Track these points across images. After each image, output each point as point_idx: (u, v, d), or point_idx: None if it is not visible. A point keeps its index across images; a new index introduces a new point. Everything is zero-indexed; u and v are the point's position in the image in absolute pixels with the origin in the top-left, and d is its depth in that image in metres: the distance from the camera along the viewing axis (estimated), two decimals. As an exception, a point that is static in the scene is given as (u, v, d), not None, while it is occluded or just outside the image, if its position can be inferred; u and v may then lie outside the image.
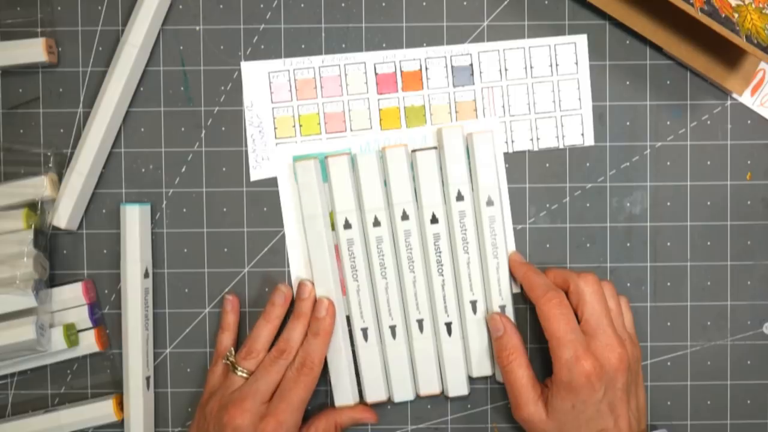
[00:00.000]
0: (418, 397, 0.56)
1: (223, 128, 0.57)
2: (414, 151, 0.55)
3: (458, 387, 0.56)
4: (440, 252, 0.55)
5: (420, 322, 0.55)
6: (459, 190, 0.54)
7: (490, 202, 0.54)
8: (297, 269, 0.57)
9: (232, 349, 0.55)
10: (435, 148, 0.55)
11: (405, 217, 0.54)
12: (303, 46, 0.57)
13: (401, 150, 0.54)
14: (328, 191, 0.55)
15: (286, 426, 0.51)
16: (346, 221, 0.54)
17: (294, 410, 0.51)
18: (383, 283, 0.55)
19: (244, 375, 0.53)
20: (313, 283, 0.55)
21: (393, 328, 0.55)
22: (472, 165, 0.55)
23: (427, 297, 0.55)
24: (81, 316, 0.56)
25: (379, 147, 0.56)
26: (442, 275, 0.55)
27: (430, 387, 0.56)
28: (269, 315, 0.54)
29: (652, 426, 0.57)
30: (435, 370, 0.56)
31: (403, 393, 0.56)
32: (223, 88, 0.57)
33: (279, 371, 0.52)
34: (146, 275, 0.56)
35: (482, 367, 0.55)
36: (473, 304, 0.55)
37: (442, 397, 0.57)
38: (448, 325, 0.55)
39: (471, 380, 0.56)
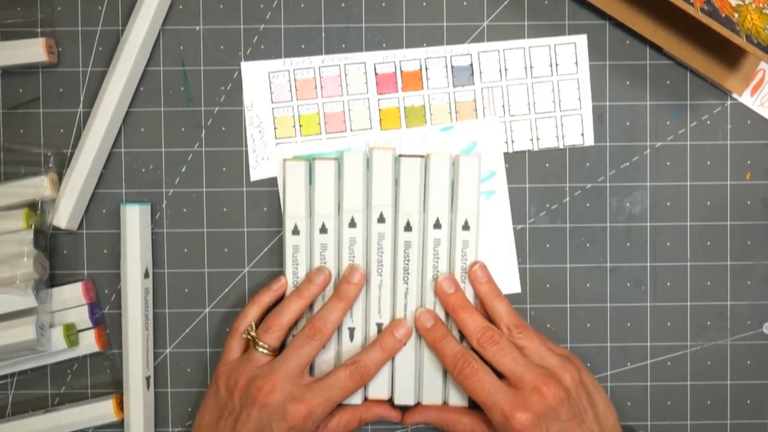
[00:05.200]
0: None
1: (223, 128, 0.57)
2: (401, 156, 0.54)
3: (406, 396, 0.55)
4: (408, 260, 0.54)
5: (379, 326, 0.55)
6: (438, 218, 0.54)
7: (466, 227, 0.54)
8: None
9: (253, 324, 0.53)
10: (422, 156, 0.55)
11: (381, 219, 0.54)
12: (303, 46, 0.57)
13: (388, 153, 0.54)
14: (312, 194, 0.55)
15: (314, 417, 0.50)
16: (323, 226, 0.54)
17: (329, 406, 0.51)
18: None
19: (265, 352, 0.52)
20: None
21: (352, 331, 0.55)
22: (454, 188, 0.54)
23: (390, 302, 0.55)
24: (81, 316, 0.56)
25: (369, 147, 0.56)
26: (407, 283, 0.55)
27: (379, 392, 0.55)
28: (304, 292, 0.53)
29: (631, 427, 0.57)
30: (387, 374, 0.55)
31: (352, 396, 0.55)
32: (223, 88, 0.57)
33: (311, 352, 0.52)
34: (146, 275, 0.56)
35: (434, 392, 0.55)
36: None
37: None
38: None
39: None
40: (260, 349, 0.52)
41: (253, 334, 0.53)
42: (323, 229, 0.54)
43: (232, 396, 0.51)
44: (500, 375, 0.51)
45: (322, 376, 0.52)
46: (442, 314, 0.55)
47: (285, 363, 0.51)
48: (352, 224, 0.54)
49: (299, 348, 0.51)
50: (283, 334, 0.53)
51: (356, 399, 0.55)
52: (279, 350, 0.53)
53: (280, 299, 0.55)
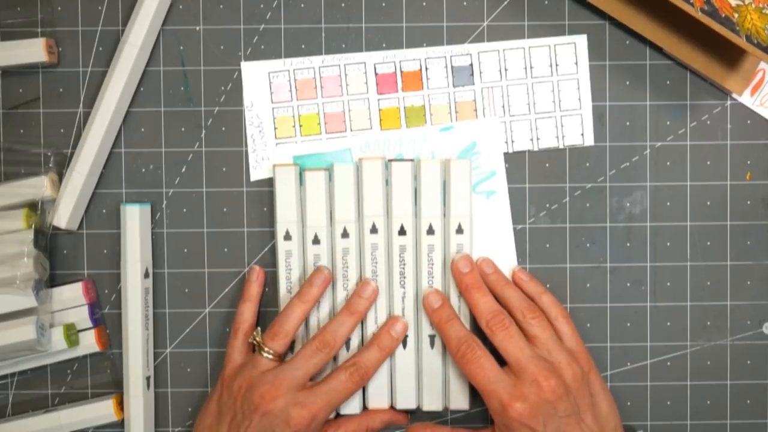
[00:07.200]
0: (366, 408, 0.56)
1: (223, 128, 0.57)
2: (390, 160, 0.54)
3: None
4: (404, 264, 0.54)
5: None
6: (431, 224, 0.54)
7: (460, 230, 0.54)
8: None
9: (259, 328, 0.53)
10: (412, 160, 0.55)
11: (374, 230, 0.54)
12: (303, 46, 0.57)
13: (378, 163, 0.54)
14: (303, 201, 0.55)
15: (317, 420, 0.50)
16: (316, 236, 0.54)
17: (330, 410, 0.51)
18: (343, 294, 0.55)
19: (271, 357, 0.52)
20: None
21: (348, 339, 0.55)
22: (446, 192, 0.54)
23: (387, 308, 0.55)
24: (81, 316, 0.56)
25: (358, 158, 0.56)
26: (404, 288, 0.55)
27: (379, 400, 0.55)
28: (305, 296, 0.53)
29: (631, 427, 0.57)
30: (386, 381, 0.55)
31: (351, 407, 0.55)
32: (223, 88, 0.57)
33: (318, 363, 0.51)
34: (146, 275, 0.56)
35: (434, 397, 0.55)
36: (431, 338, 0.55)
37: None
38: (404, 339, 0.55)
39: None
40: (266, 355, 0.52)
41: (258, 339, 0.52)
42: (316, 240, 0.54)
43: (235, 401, 0.51)
44: (502, 361, 0.51)
45: (320, 379, 0.52)
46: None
47: (292, 372, 0.51)
48: (345, 234, 0.54)
49: (308, 358, 0.51)
50: (289, 341, 0.52)
51: (355, 409, 0.55)
52: (284, 355, 0.53)
53: (263, 286, 0.56)
